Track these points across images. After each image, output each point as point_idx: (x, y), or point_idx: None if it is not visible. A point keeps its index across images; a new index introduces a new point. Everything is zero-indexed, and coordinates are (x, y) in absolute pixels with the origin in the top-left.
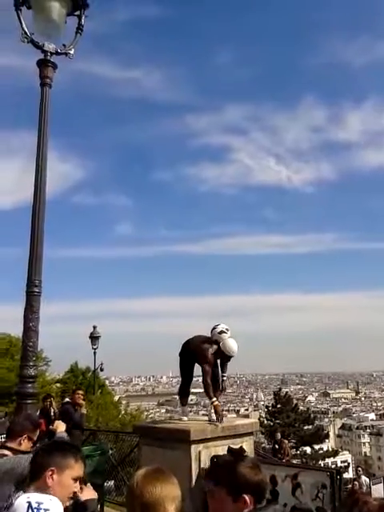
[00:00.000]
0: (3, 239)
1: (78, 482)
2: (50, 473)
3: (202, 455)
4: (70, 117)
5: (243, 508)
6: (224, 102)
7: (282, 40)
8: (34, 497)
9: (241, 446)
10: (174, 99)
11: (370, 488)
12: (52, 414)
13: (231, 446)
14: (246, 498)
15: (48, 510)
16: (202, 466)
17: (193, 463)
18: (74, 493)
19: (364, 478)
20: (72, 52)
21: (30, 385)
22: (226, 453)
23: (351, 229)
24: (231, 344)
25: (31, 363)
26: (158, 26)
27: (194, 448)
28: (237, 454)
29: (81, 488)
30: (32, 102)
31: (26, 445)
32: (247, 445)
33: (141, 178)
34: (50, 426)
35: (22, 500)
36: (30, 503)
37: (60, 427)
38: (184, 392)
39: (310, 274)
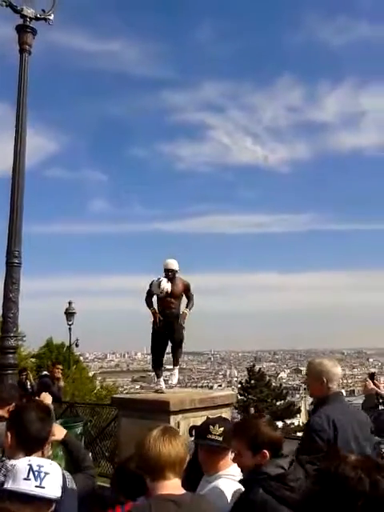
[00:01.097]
0: None
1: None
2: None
3: (181, 426)
4: (45, 88)
5: (261, 461)
6: (202, 79)
7: (261, 17)
8: (34, 460)
9: (219, 416)
10: (152, 74)
11: None
12: (29, 386)
13: (209, 416)
14: (265, 452)
15: (48, 473)
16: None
17: None
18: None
19: None
20: (51, 18)
21: (11, 355)
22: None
23: (327, 210)
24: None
25: (11, 334)
26: None
27: (173, 418)
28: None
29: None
30: (5, 71)
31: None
32: (225, 416)
33: (116, 154)
34: (36, 397)
35: (22, 463)
36: (30, 466)
37: (46, 399)
38: (158, 363)
39: (286, 254)
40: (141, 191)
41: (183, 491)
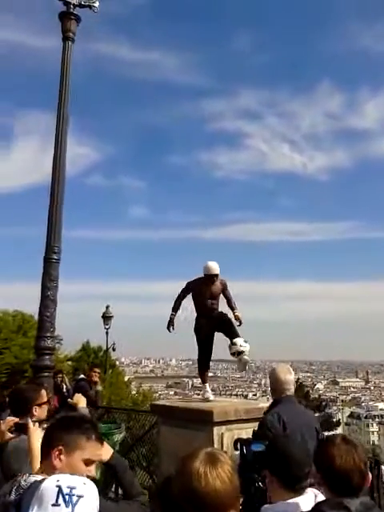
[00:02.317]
0: (21, 219)
1: (92, 466)
2: (57, 452)
3: (225, 438)
4: (87, 98)
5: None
6: (240, 87)
7: (299, 25)
8: (64, 480)
9: None
10: (191, 83)
11: None
12: (64, 390)
13: (256, 429)
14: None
15: (82, 496)
16: (224, 449)
17: (215, 446)
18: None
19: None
20: (96, 4)
21: (47, 357)
22: (249, 436)
23: (365, 218)
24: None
25: (48, 334)
26: (175, 9)
27: (216, 430)
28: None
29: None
30: (49, 81)
31: (40, 412)
32: None
33: (156, 162)
34: (69, 400)
35: (50, 483)
36: (60, 488)
37: (81, 402)
38: (204, 365)
39: (324, 263)
40: (179, 198)
41: None
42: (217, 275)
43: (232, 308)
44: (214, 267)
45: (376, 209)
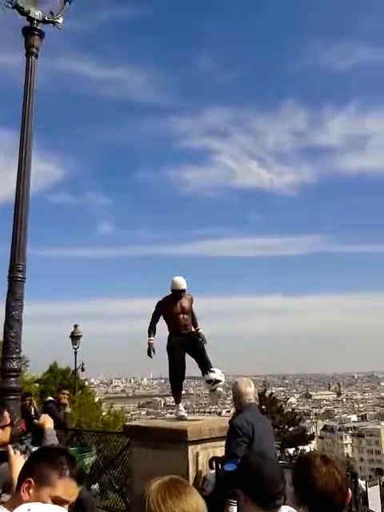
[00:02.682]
0: None
1: (64, 506)
2: (26, 485)
3: (200, 457)
4: (51, 115)
5: None
6: (206, 105)
7: (263, 43)
8: (36, 509)
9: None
10: (157, 101)
11: (367, 490)
12: (32, 413)
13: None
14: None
15: None
16: (199, 468)
17: (190, 466)
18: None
19: (361, 482)
20: (60, 21)
21: (13, 379)
22: (224, 454)
23: (333, 232)
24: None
25: (14, 356)
26: (139, 26)
27: (191, 449)
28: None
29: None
30: (12, 99)
31: (2, 435)
32: None
33: (122, 179)
34: (35, 420)
35: (20, 511)
36: None
37: (47, 422)
38: (178, 387)
39: (293, 276)
40: (147, 215)
41: None
42: (184, 290)
43: (194, 324)
44: (181, 282)
45: (342, 223)
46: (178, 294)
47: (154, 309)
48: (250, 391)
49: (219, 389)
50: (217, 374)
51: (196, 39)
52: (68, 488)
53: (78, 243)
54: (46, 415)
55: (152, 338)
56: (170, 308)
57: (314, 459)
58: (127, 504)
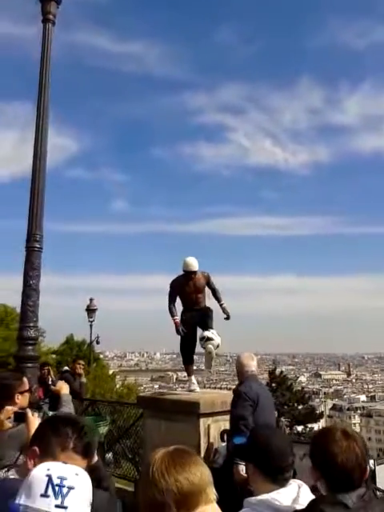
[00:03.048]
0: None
1: None
2: (31, 453)
3: (212, 429)
4: (67, 89)
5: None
6: (222, 80)
7: (281, 20)
8: (55, 469)
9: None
10: (173, 75)
11: (375, 468)
12: (50, 382)
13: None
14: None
15: (72, 488)
16: (210, 440)
17: (201, 438)
18: None
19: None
20: None
21: (30, 347)
22: None
23: (346, 213)
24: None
25: (31, 324)
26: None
27: (202, 421)
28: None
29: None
30: (29, 71)
31: (22, 400)
32: None
33: (138, 155)
34: (52, 387)
35: (40, 472)
36: (50, 478)
37: (63, 388)
38: (189, 359)
39: (305, 257)
40: (161, 192)
41: None
42: (195, 272)
43: (218, 299)
44: (192, 263)
45: (356, 204)
46: (189, 274)
47: (168, 289)
48: (252, 363)
49: (210, 346)
50: (210, 332)
51: (215, 12)
52: (70, 461)
53: (93, 218)
54: (63, 382)
55: (176, 318)
56: (183, 287)
57: (334, 433)
58: (139, 472)
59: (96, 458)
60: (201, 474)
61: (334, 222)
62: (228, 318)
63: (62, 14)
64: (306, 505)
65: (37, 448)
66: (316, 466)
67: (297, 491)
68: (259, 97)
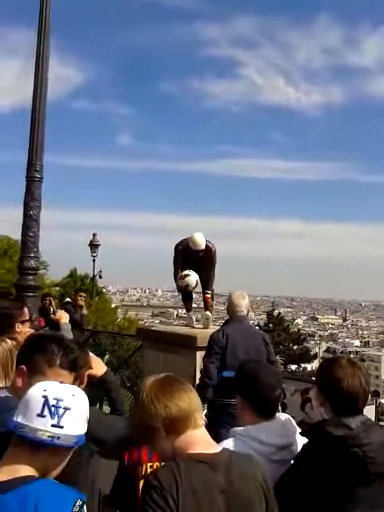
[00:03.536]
0: (3, 142)
1: None
2: (19, 372)
3: None
4: (71, 16)
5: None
6: (236, 12)
7: None
8: (52, 389)
9: None
10: (185, 4)
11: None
12: (51, 312)
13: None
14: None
15: (68, 409)
16: None
17: (197, 370)
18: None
19: None
20: None
21: (30, 277)
22: None
23: (358, 159)
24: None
25: (32, 254)
26: None
27: (199, 355)
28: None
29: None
30: None
31: (22, 329)
32: None
33: (145, 87)
34: (52, 316)
35: (36, 391)
36: (46, 398)
37: (63, 317)
38: (187, 296)
39: (312, 202)
40: (169, 128)
41: (217, 447)
42: (202, 250)
43: (206, 288)
44: (199, 242)
45: (369, 150)
46: (196, 253)
47: (173, 254)
48: (243, 303)
49: (187, 279)
50: (187, 270)
51: None
52: (58, 377)
53: (97, 153)
54: (62, 311)
55: (181, 280)
56: (188, 255)
57: (340, 360)
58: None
59: (104, 369)
60: (189, 399)
61: (343, 167)
62: (206, 307)
63: None
64: (290, 438)
65: (24, 366)
66: (322, 389)
67: (282, 424)
68: (274, 32)
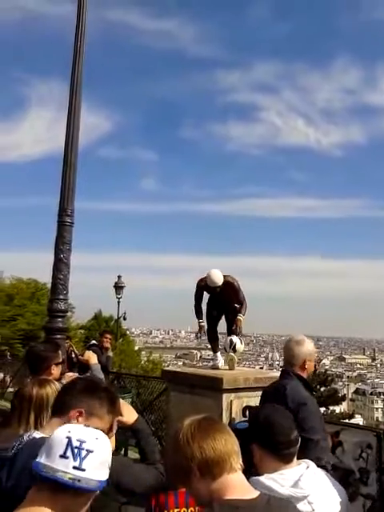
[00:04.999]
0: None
1: None
2: (77, 414)
3: (234, 405)
4: (99, 67)
5: None
6: (255, 59)
7: None
8: (75, 431)
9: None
10: (206, 54)
11: None
12: (73, 356)
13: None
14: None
15: (91, 452)
16: (233, 416)
17: (224, 413)
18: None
19: None
20: None
21: (59, 319)
22: (258, 404)
23: (378, 196)
24: (213, 274)
25: (61, 297)
26: None
27: (225, 397)
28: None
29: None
30: (64, 51)
31: (56, 371)
32: None
33: (168, 133)
34: (80, 357)
35: (60, 433)
36: (69, 440)
37: (92, 358)
38: (213, 336)
39: (333, 239)
40: (191, 171)
41: (255, 493)
42: (220, 287)
43: (237, 312)
44: (216, 279)
45: None
46: (214, 289)
47: (195, 289)
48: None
49: (232, 354)
50: (236, 338)
51: None
52: (111, 421)
53: (122, 197)
54: (91, 352)
55: (202, 320)
56: (211, 290)
57: None
58: (163, 446)
59: (135, 417)
60: (226, 442)
61: (365, 204)
62: (238, 332)
63: None
64: (307, 489)
65: (83, 410)
66: None
67: (301, 473)
68: (293, 76)
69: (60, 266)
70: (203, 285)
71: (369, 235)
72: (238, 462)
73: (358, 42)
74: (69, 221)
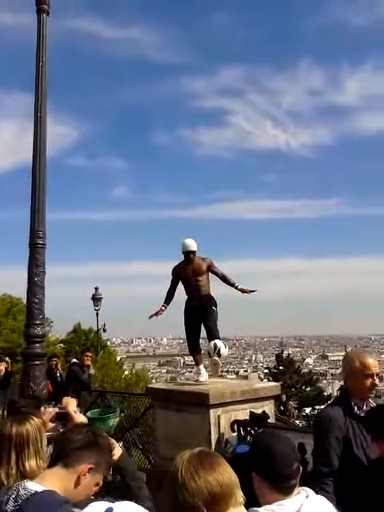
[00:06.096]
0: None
1: (96, 488)
2: (87, 470)
3: (222, 420)
4: (64, 77)
5: None
6: (221, 64)
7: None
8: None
9: (263, 411)
10: (171, 60)
11: None
12: (58, 375)
13: (252, 410)
14: None
15: None
16: (221, 431)
17: (212, 428)
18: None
19: None
20: None
21: (37, 345)
22: (246, 417)
23: (350, 195)
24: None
25: (38, 322)
26: None
27: (212, 412)
28: (259, 419)
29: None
30: (28, 60)
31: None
32: (268, 409)
33: (138, 141)
34: (59, 406)
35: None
36: None
37: (70, 404)
38: (195, 345)
39: (310, 239)
40: (162, 178)
41: None
42: (194, 252)
43: (231, 284)
44: (189, 244)
45: (360, 185)
46: (188, 255)
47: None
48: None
49: (216, 358)
50: (219, 342)
51: None
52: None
53: (94, 206)
54: (69, 398)
55: (164, 305)
56: (183, 271)
57: None
58: (151, 462)
59: (118, 453)
60: (229, 475)
61: (338, 203)
62: (253, 291)
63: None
64: None
65: (93, 466)
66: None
67: (301, 503)
68: (258, 79)
69: (34, 289)
70: (176, 268)
71: (343, 233)
72: (240, 495)
73: (320, 44)
74: (41, 242)
